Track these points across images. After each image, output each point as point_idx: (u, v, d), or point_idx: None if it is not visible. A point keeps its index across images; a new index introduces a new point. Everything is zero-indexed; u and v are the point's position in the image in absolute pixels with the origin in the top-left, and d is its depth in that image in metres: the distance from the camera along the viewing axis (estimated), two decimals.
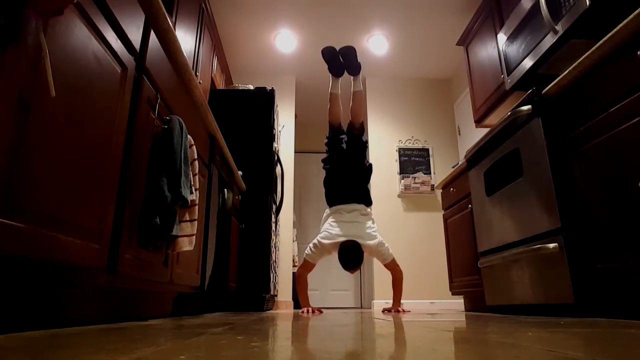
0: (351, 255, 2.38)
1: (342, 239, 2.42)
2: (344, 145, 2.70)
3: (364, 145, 2.73)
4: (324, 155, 2.83)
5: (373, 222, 2.59)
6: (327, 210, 2.64)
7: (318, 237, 2.52)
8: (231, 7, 3.63)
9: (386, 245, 2.52)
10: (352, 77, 2.77)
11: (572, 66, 1.57)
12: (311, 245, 2.53)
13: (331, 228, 2.49)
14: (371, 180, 4.31)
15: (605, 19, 1.80)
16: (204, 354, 0.52)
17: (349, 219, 2.51)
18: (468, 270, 2.69)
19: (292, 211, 4.34)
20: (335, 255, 2.51)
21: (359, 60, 2.74)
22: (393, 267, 2.57)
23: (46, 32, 0.74)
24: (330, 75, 2.76)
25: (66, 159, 0.81)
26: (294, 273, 4.18)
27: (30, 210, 0.71)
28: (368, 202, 2.63)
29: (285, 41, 4.11)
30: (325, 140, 2.78)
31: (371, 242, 2.45)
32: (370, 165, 2.76)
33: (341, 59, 2.74)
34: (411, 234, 4.21)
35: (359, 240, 2.41)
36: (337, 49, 2.73)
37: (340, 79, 2.77)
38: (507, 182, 2.05)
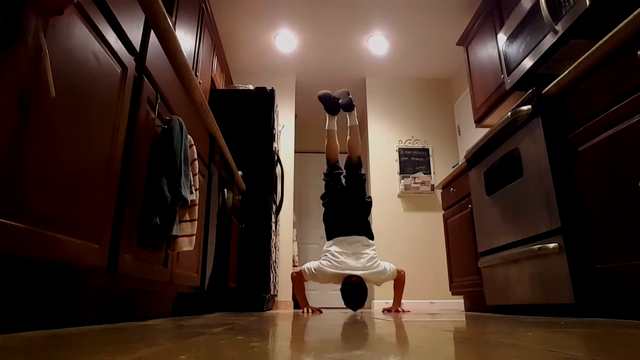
0: (355, 293, 2.36)
1: (347, 272, 2.38)
2: (343, 181, 2.75)
3: (363, 179, 2.77)
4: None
5: (376, 254, 2.54)
6: (329, 242, 2.60)
7: (320, 262, 2.48)
8: (231, 7, 3.63)
9: (387, 269, 2.49)
10: (347, 114, 2.90)
11: (572, 66, 1.57)
12: (312, 267, 2.49)
13: (333, 258, 2.45)
14: (371, 181, 4.36)
15: (605, 19, 1.80)
16: (204, 354, 0.52)
17: (351, 250, 2.48)
18: (468, 270, 2.69)
19: (292, 211, 4.34)
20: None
21: (353, 101, 2.91)
22: (397, 275, 2.57)
23: (46, 32, 0.74)
24: (327, 113, 2.92)
25: (66, 159, 0.81)
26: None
27: (30, 210, 0.71)
28: (370, 236, 2.59)
29: (285, 41, 4.11)
30: (324, 177, 2.84)
31: (374, 273, 2.43)
32: (370, 199, 2.78)
33: (336, 99, 2.91)
34: (411, 234, 4.21)
35: (362, 274, 2.38)
36: (333, 95, 2.92)
37: (336, 117, 2.93)
38: (507, 182, 2.05)
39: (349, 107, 2.88)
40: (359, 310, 2.71)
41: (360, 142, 2.90)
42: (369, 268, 2.42)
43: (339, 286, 2.46)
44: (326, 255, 2.50)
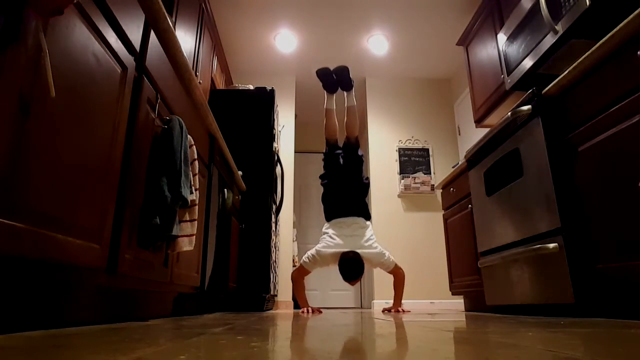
0: (352, 266, 2.38)
1: (343, 249, 2.43)
2: (341, 161, 2.75)
3: (360, 160, 2.77)
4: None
5: (372, 234, 2.58)
6: (326, 224, 2.64)
7: (317, 247, 2.52)
8: (231, 7, 3.63)
9: (386, 254, 2.53)
10: (345, 93, 2.82)
11: (572, 66, 1.57)
12: (310, 254, 2.53)
13: (331, 240, 2.49)
14: (371, 181, 4.36)
15: (605, 19, 1.80)
16: (204, 354, 0.52)
17: (348, 232, 2.51)
18: (468, 270, 2.69)
19: (292, 211, 4.34)
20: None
21: (351, 78, 2.81)
22: (395, 271, 2.59)
23: (46, 32, 0.74)
24: (325, 92, 2.84)
25: (66, 159, 0.81)
26: None
27: (30, 210, 0.71)
28: (367, 217, 2.63)
29: (285, 41, 4.11)
30: (323, 157, 2.83)
31: (371, 253, 2.46)
32: (368, 179, 2.80)
33: (334, 77, 2.81)
34: (411, 234, 4.21)
35: (359, 252, 2.42)
36: (331, 69, 2.81)
37: (334, 95, 2.84)
38: (507, 182, 2.05)
39: (347, 86, 2.79)
40: (359, 310, 2.72)
41: (358, 123, 2.83)
42: (366, 248, 2.46)
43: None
44: (324, 237, 2.55)
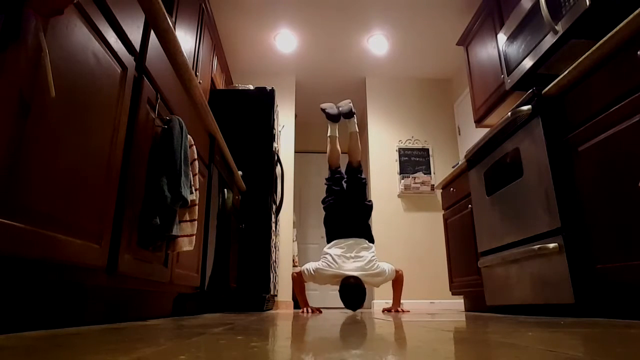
0: (353, 293, 2.36)
1: (345, 273, 2.39)
2: (345, 186, 2.82)
3: (363, 184, 2.83)
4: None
5: (374, 256, 2.55)
6: (328, 245, 2.62)
7: (318, 265, 2.49)
8: (231, 7, 3.63)
9: (386, 270, 2.50)
10: (347, 120, 3.00)
11: (572, 66, 1.57)
12: (311, 268, 2.51)
13: (332, 261, 2.46)
14: (371, 181, 4.36)
15: (605, 19, 1.80)
16: (204, 354, 0.52)
17: (350, 252, 2.49)
18: (468, 270, 2.69)
19: (292, 211, 4.34)
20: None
21: (353, 110, 3.00)
22: (396, 275, 2.59)
23: (46, 32, 0.74)
24: (328, 121, 3.02)
25: (66, 159, 0.81)
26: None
27: (30, 210, 0.71)
28: (370, 239, 2.63)
29: (285, 41, 4.11)
30: (325, 181, 2.91)
31: (372, 275, 2.44)
32: (371, 202, 2.84)
33: (337, 109, 3.03)
34: (411, 234, 4.21)
35: (360, 275, 2.38)
36: (336, 105, 3.04)
37: (337, 124, 3.03)
38: (507, 182, 2.05)
39: (348, 114, 2.98)
40: (358, 310, 2.72)
41: (360, 148, 2.97)
42: (367, 270, 2.43)
43: (338, 286, 2.45)
44: (325, 257, 2.52)
